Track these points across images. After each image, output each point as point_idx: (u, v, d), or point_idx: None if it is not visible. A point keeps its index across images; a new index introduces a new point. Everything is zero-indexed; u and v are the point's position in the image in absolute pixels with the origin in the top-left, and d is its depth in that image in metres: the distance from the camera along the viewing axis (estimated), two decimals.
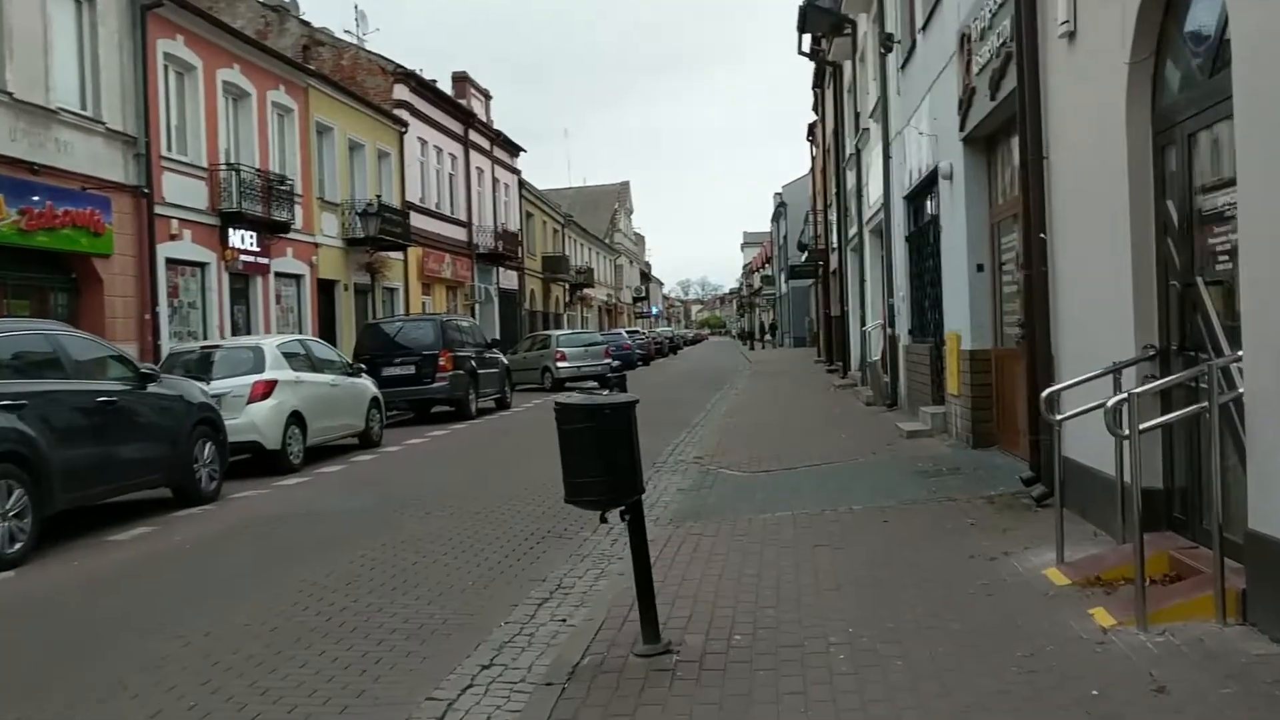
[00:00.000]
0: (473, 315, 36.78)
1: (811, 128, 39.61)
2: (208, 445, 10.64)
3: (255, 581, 7.29)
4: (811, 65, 32.70)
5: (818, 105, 35.17)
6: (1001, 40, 8.72)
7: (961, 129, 10.71)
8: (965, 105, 10.42)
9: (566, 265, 51.90)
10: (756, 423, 16.07)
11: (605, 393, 5.30)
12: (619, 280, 78.53)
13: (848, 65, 23.01)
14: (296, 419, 12.80)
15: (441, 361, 18.46)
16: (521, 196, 45.26)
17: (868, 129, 19.32)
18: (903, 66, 14.69)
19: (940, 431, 12.34)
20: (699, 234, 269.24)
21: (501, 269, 41.06)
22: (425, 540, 8.38)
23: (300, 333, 24.53)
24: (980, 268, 10.82)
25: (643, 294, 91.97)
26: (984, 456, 10.31)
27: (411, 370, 18.48)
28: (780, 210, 67.14)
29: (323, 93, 25.96)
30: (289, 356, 13.23)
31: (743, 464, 11.58)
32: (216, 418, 10.95)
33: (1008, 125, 9.72)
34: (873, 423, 14.85)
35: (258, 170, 22.01)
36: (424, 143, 33.49)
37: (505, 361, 22.13)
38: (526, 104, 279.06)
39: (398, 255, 30.20)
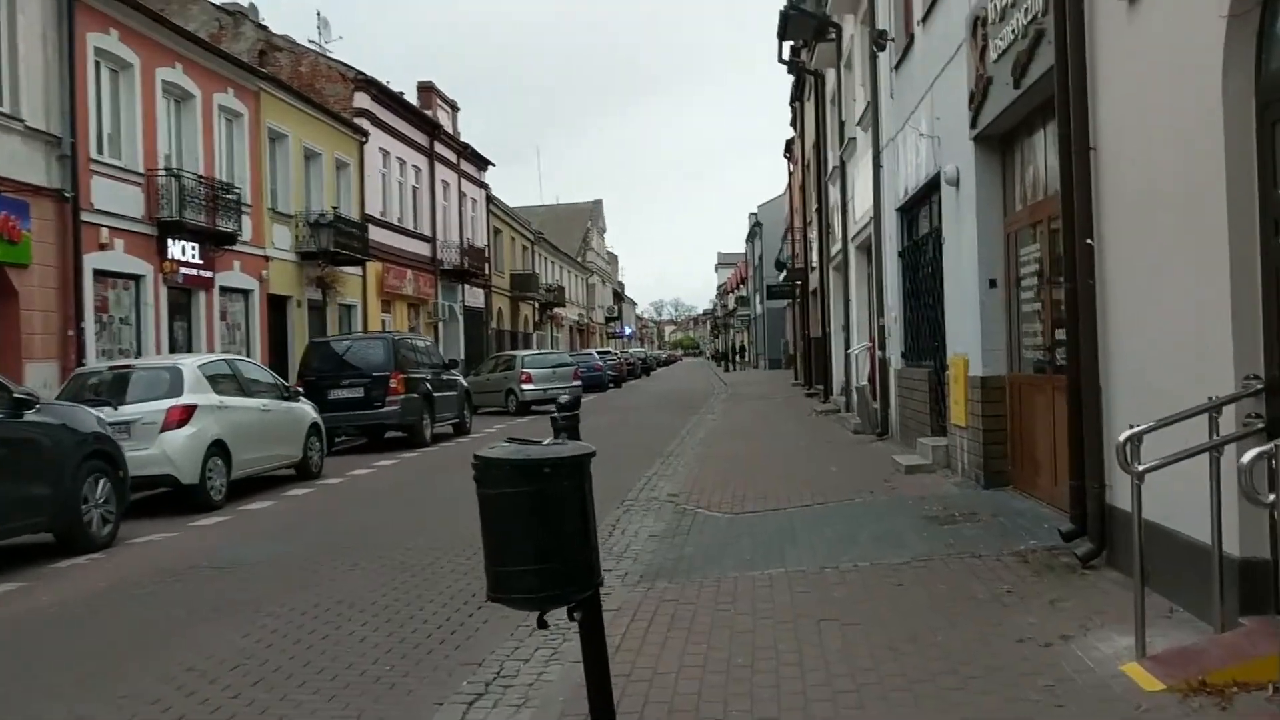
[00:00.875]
0: (436, 334, 35.37)
1: (789, 144, 38.53)
2: (101, 482, 9.14)
3: (112, 667, 5.82)
4: (789, 81, 31.63)
5: (796, 120, 34.10)
6: (1031, 17, 7.45)
7: (973, 126, 9.44)
8: (978, 99, 9.16)
9: (536, 283, 50.51)
10: (736, 452, 14.72)
11: (548, 441, 3.89)
12: (591, 300, 77.21)
13: (831, 73, 21.85)
14: (219, 449, 11.31)
15: (392, 384, 17.01)
16: (489, 212, 43.89)
17: (854, 139, 18.12)
18: (897, 66, 13.46)
19: (942, 466, 11.03)
20: (673, 255, 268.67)
21: (467, 286, 39.62)
22: (344, 604, 6.94)
23: (249, 352, 23.10)
24: (993, 283, 9.54)
25: (615, 314, 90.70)
26: (1000, 499, 8.99)
27: (360, 393, 17.01)
28: (755, 230, 66.11)
29: (276, 97, 24.52)
30: (213, 379, 11.75)
31: (724, 503, 10.22)
32: (114, 450, 9.46)
33: (1032, 118, 8.47)
34: (864, 454, 13.54)
35: (201, 177, 20.52)
36: (386, 153, 32.08)
37: (465, 384, 20.69)
38: (499, 124, 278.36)
39: (355, 270, 28.73)
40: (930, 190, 11.99)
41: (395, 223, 32.77)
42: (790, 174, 39.46)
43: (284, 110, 24.97)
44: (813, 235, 28.05)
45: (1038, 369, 8.70)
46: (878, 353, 15.21)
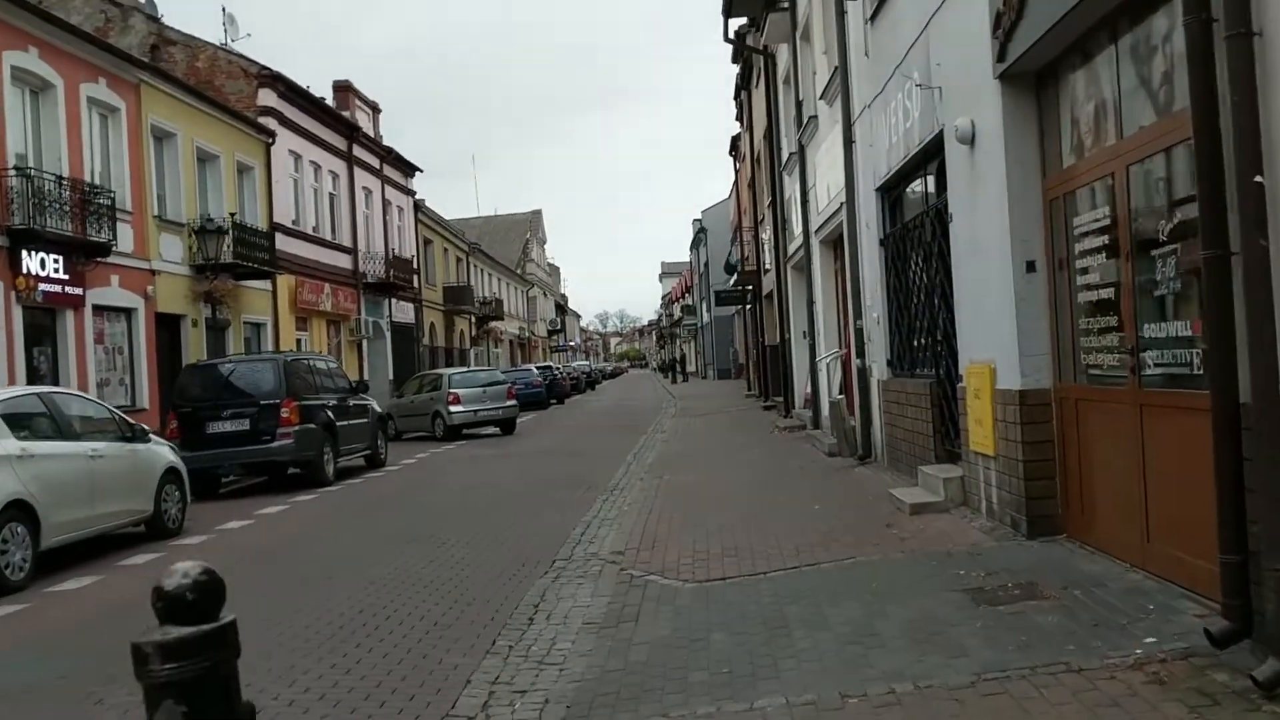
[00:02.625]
0: (360, 352, 32.59)
1: (735, 141, 36.34)
2: None
3: None
4: (732, 84, 29.48)
5: (742, 114, 31.93)
6: None
7: (1000, 60, 7.13)
8: (1009, 19, 6.84)
9: (471, 296, 47.76)
10: (693, 484, 12.29)
11: None
12: (532, 312, 74.51)
13: (784, 50, 19.62)
14: (19, 512, 8.60)
15: (284, 413, 14.35)
16: (418, 221, 41.12)
17: (814, 117, 15.84)
18: (873, 17, 11.16)
19: (957, 504, 8.70)
20: (618, 267, 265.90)
21: (395, 300, 36.82)
22: None
23: (133, 380, 20.26)
24: (1031, 266, 7.22)
25: (558, 327, 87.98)
26: (1058, 556, 6.65)
27: (245, 425, 14.31)
28: (700, 237, 63.96)
29: (161, 90, 21.68)
30: (12, 419, 9.01)
31: (684, 564, 7.79)
32: None
33: (1097, 31, 6.15)
34: (849, 486, 11.16)
35: (64, 179, 17.67)
36: (297, 157, 29.27)
37: (378, 409, 18.04)
38: (436, 139, 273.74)
39: (263, 285, 25.89)
40: (925, 159, 9.70)
41: (310, 232, 29.95)
42: (737, 172, 37.24)
43: (172, 106, 22.13)
44: (766, 235, 25.79)
45: (1106, 379, 6.37)
46: (855, 361, 12.89)
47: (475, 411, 23.26)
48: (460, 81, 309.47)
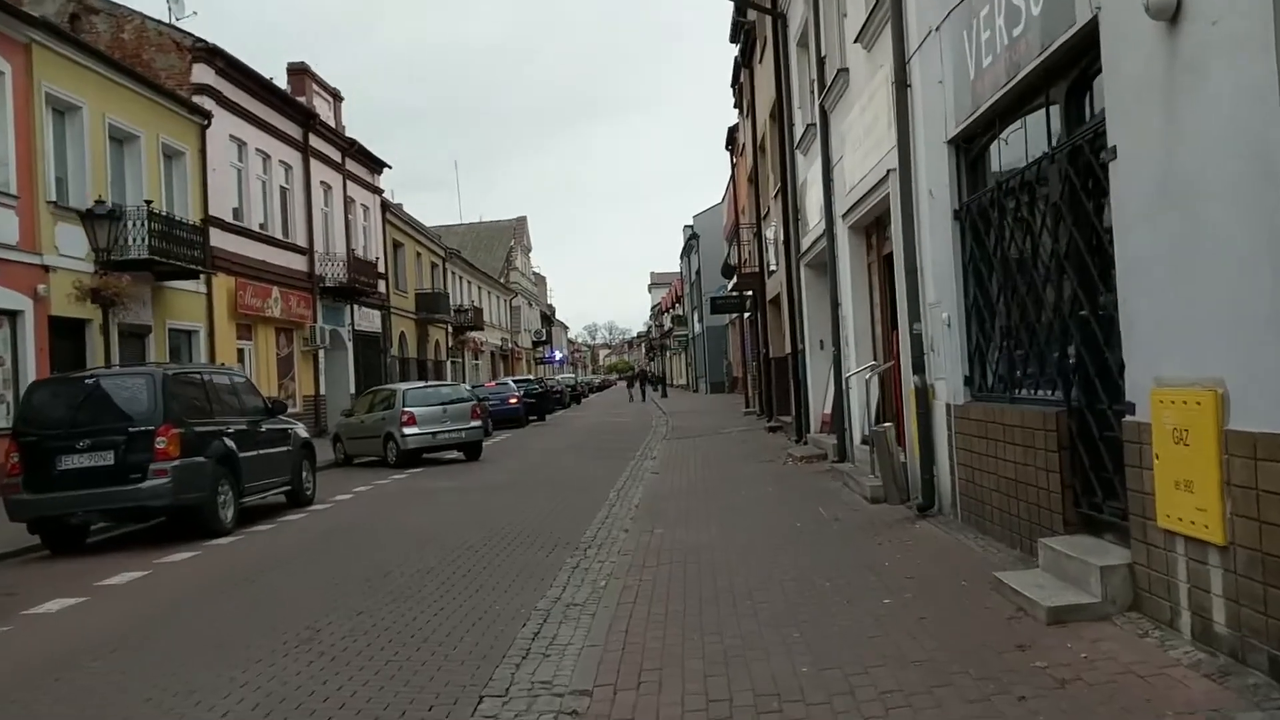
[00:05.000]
0: (315, 364, 29.25)
1: (732, 134, 33.15)
2: None
3: None
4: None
5: (742, 100, 28.78)
6: None
7: None
8: None
9: (446, 304, 44.43)
10: (696, 548, 9.00)
11: None
12: (516, 323, 71.18)
13: (798, 8, 16.45)
14: None
15: (160, 443, 11.00)
16: (386, 221, 37.81)
17: (844, 70, 12.63)
18: None
19: (1126, 608, 5.44)
20: (606, 280, 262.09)
21: (359, 307, 33.51)
22: None
23: (17, 395, 16.86)
24: None
25: (544, 338, 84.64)
26: None
27: (108, 459, 10.94)
28: (692, 243, 60.73)
29: (60, 55, 18.38)
30: None
31: None
32: None
33: None
34: (919, 557, 7.85)
35: None
36: (241, 144, 25.98)
37: (303, 435, 14.69)
38: (421, 153, 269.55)
39: (193, 286, 22.57)
40: (1047, 79, 6.49)
41: (257, 229, 26.66)
42: (734, 167, 34.05)
43: (76, 75, 18.83)
44: (771, 231, 22.57)
45: None
46: (912, 379, 9.62)
47: (434, 434, 19.90)
48: (445, 93, 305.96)
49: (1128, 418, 5.42)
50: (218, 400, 12.51)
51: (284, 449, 13.85)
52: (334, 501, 14.85)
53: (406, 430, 19.68)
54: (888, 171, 10.38)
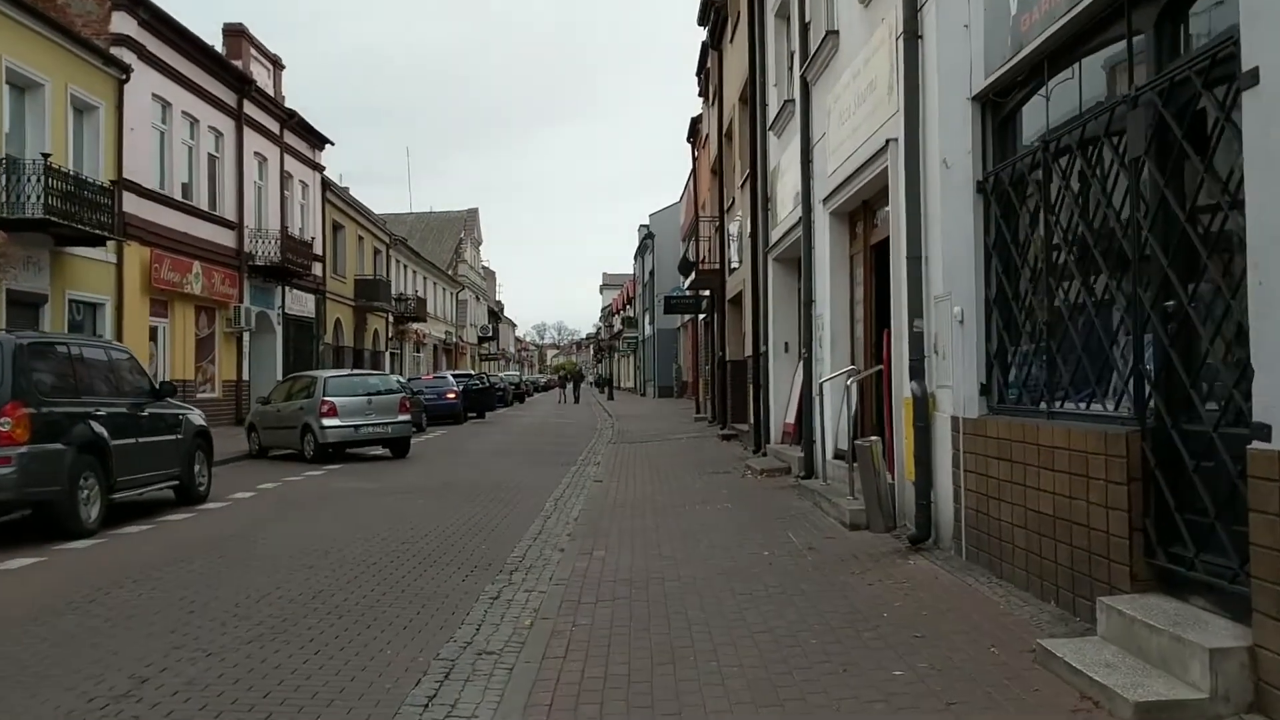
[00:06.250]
0: (239, 348, 27.23)
1: (694, 125, 31.62)
2: None
3: None
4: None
5: (707, 88, 27.26)
6: None
7: None
8: None
9: (387, 292, 42.39)
10: (643, 576, 7.39)
11: None
12: (462, 317, 69.09)
13: None
14: None
15: (3, 425, 9.15)
16: (326, 200, 35.76)
17: (832, 33, 11.12)
18: None
19: (1246, 709, 3.91)
20: (560, 282, 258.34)
21: (291, 289, 31.48)
22: None
23: None
24: None
25: (490, 334, 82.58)
26: None
27: None
28: (646, 243, 59.13)
29: None
30: None
31: None
32: None
33: None
34: (926, 609, 6.25)
35: None
36: (165, 104, 23.92)
37: (197, 422, 12.84)
38: (376, 148, 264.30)
39: (101, 254, 20.55)
40: (1115, 13, 5.00)
41: (179, 198, 24.60)
42: (695, 160, 32.52)
43: None
44: (735, 225, 21.07)
45: None
46: (909, 386, 8.10)
47: (356, 427, 18.07)
48: (401, 89, 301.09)
49: (1255, 445, 3.91)
50: (89, 378, 10.65)
51: (172, 438, 12.01)
52: (230, 500, 13.02)
53: (326, 422, 17.83)
54: (887, 142, 8.87)
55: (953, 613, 5.98)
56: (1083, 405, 5.65)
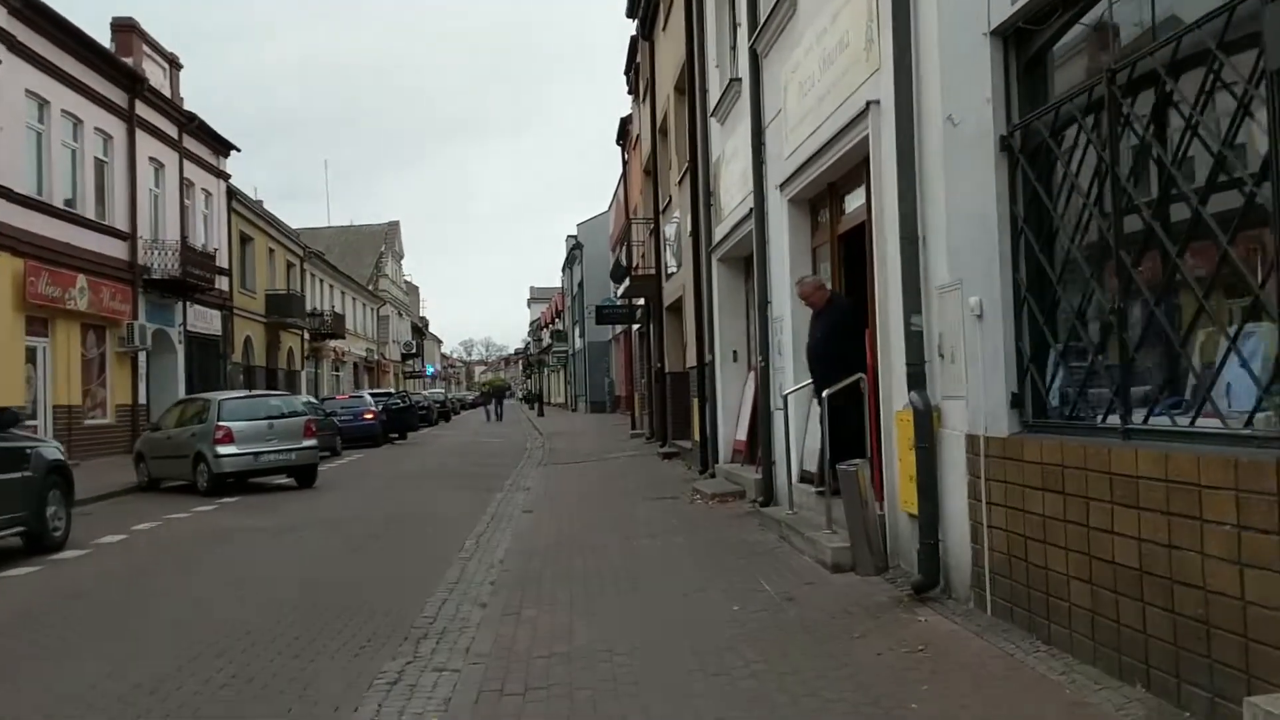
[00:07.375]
0: (134, 369, 24.96)
1: (624, 125, 30.11)
2: None
3: None
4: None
5: (637, 84, 25.78)
6: None
7: None
8: None
9: (300, 307, 40.11)
10: (589, 662, 5.74)
11: None
12: (384, 333, 66.68)
13: None
14: None
15: None
16: (232, 210, 33.50)
17: None
18: None
19: None
20: (486, 298, 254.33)
21: (193, 305, 29.22)
22: None
23: None
24: None
25: (415, 350, 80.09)
26: None
27: None
28: (575, 254, 57.47)
29: None
30: None
31: None
32: None
33: None
34: (972, 699, 4.73)
35: None
36: (42, 102, 21.71)
37: (51, 456, 10.88)
38: (296, 159, 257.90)
39: None
40: None
41: (60, 205, 22.34)
42: (626, 163, 31.01)
43: None
44: (673, 226, 19.56)
45: None
46: (907, 397, 6.60)
47: (256, 455, 16.09)
48: (324, 104, 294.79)
49: None
50: None
51: (16, 475, 10.05)
52: (92, 546, 11.06)
53: (221, 450, 15.84)
54: (867, 105, 7.39)
55: (1005, 703, 4.45)
56: (1183, 420, 4.17)
